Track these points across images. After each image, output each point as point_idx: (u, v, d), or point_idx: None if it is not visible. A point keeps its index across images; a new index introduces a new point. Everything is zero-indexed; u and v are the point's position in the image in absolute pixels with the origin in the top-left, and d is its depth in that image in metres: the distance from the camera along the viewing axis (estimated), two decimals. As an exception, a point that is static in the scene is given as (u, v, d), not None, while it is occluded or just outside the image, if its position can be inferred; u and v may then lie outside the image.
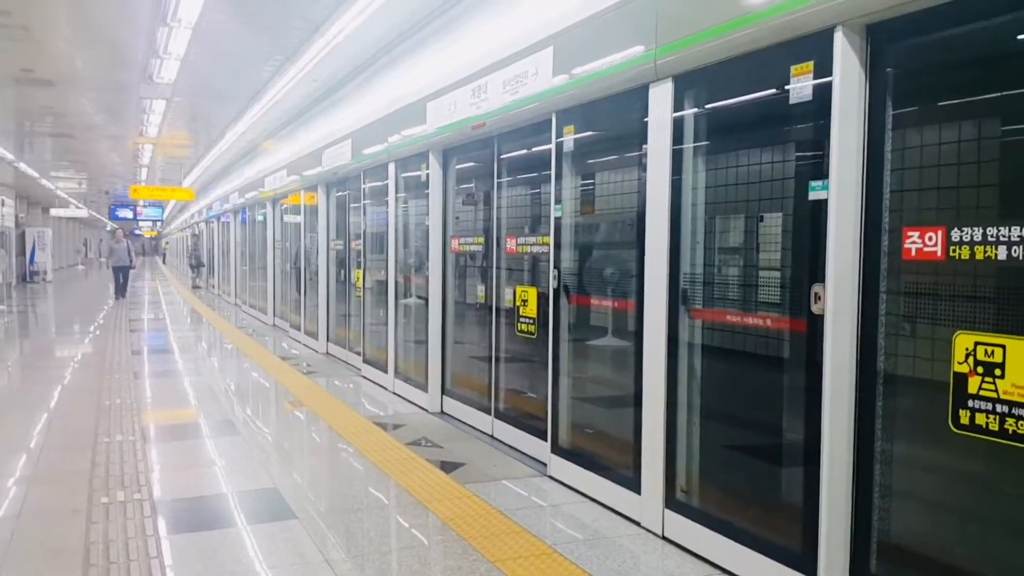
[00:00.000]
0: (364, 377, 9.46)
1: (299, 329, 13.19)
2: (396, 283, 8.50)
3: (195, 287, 28.25)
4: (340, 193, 11.23)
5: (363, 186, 9.59)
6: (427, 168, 7.47)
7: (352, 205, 10.44)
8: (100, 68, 11.82)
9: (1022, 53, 2.91)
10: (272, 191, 15.06)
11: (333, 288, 11.71)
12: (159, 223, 48.08)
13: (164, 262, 58.67)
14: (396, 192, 8.42)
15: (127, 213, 31.88)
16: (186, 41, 9.50)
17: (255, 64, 11.03)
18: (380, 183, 8.87)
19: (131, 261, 21.75)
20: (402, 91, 8.16)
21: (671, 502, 4.23)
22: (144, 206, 32.69)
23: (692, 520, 4.08)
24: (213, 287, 26.96)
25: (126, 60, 11.05)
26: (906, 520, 3.28)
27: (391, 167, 8.42)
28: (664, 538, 4.25)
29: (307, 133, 13.39)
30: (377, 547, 4.15)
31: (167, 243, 63.11)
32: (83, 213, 43.36)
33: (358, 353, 9.93)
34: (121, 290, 21.35)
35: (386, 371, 8.68)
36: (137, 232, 58.91)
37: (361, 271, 9.87)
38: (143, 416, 7.10)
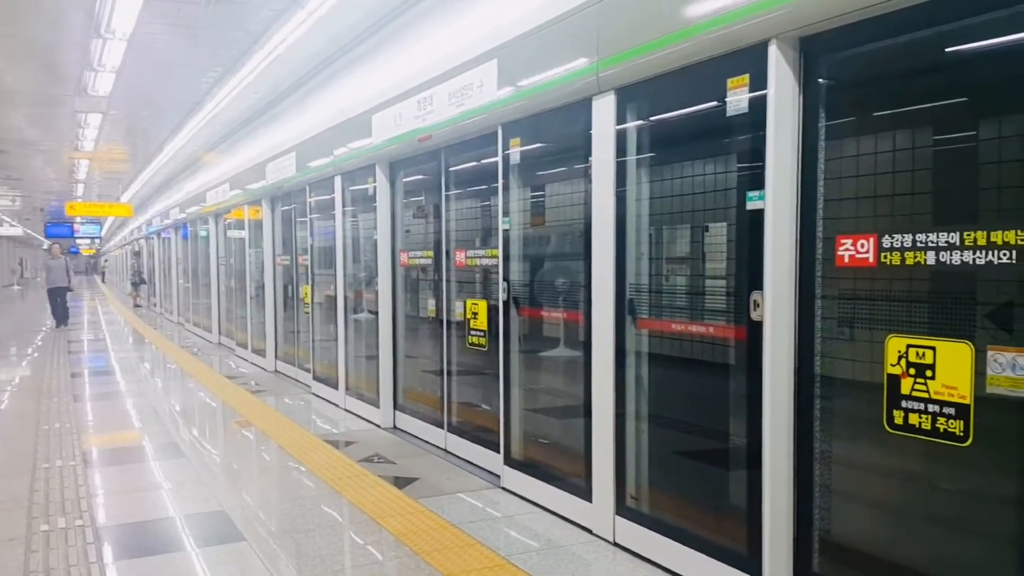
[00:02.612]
0: (315, 395, 9.36)
1: (246, 347, 12.98)
2: (345, 298, 8.44)
3: (136, 306, 27.59)
4: (286, 207, 11.11)
5: (309, 200, 9.51)
6: (374, 181, 7.45)
7: (298, 219, 10.33)
8: (33, 82, 11.55)
9: (946, 65, 3.04)
10: (214, 205, 14.82)
11: (280, 304, 11.56)
12: (97, 240, 46.95)
13: (104, 280, 57.24)
14: (343, 206, 8.37)
15: (63, 231, 31.05)
16: (121, 53, 9.34)
17: (193, 76, 10.88)
18: (327, 196, 8.81)
19: (69, 281, 18.45)
20: (347, 103, 8.12)
21: (621, 509, 4.28)
22: (81, 223, 31.89)
23: (642, 526, 4.14)
24: (155, 306, 26.39)
25: (60, 73, 10.82)
26: (846, 519, 3.38)
27: (337, 180, 8.37)
28: (615, 544, 4.30)
29: (250, 146, 13.21)
30: (329, 566, 4.12)
31: (106, 260, 61.61)
32: (17, 231, 42.11)
33: (308, 370, 9.83)
34: (62, 317, 18.26)
35: (337, 388, 8.60)
36: (75, 250, 57.44)
37: (309, 286, 9.78)
38: (84, 440, 6.92)
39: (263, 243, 11.79)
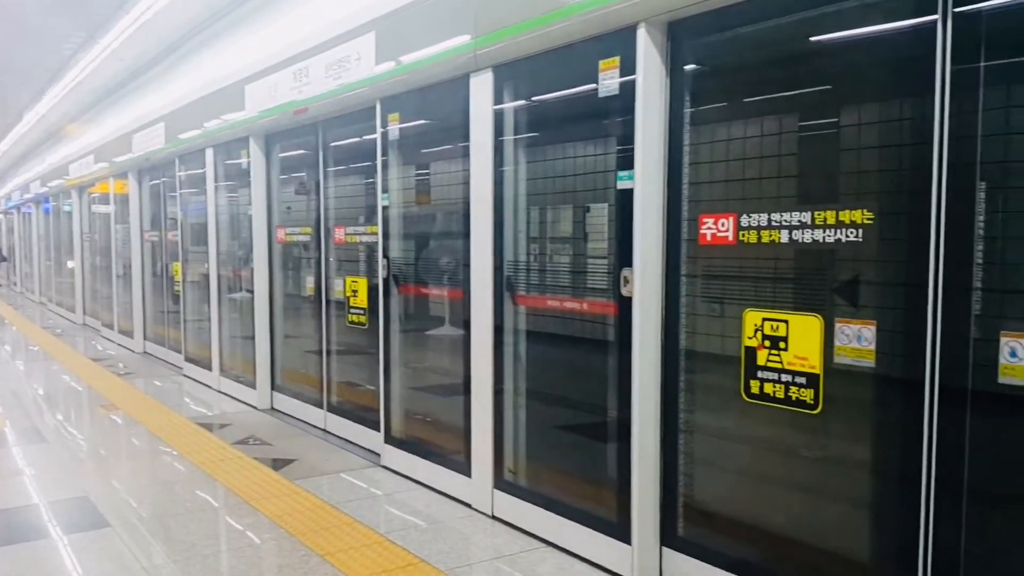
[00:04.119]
0: (187, 376, 9.04)
1: (113, 328, 12.39)
2: (219, 276, 8.17)
3: (-7, 285, 25.84)
4: (154, 181, 10.61)
5: (179, 173, 9.12)
6: (248, 154, 7.22)
7: (168, 193, 9.90)
8: None
9: (811, 53, 3.19)
10: (78, 179, 14.01)
11: (149, 283, 11.08)
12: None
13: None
14: (216, 180, 8.07)
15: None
16: (-28, 14, 8.69)
17: (55, 41, 10.22)
18: (198, 170, 8.47)
19: None
20: (220, 72, 7.80)
21: (500, 483, 4.36)
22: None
23: (520, 499, 4.23)
24: (15, 284, 24.77)
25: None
26: (708, 485, 3.56)
27: (209, 152, 8.06)
28: (494, 517, 4.38)
29: (117, 116, 12.53)
30: (202, 550, 4.01)
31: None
32: None
33: (179, 351, 9.48)
34: None
35: (211, 369, 8.34)
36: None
37: (180, 264, 9.40)
38: (-69, 428, 6.47)
39: (130, 218, 11.24)
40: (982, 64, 2.50)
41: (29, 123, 16.16)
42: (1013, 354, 2.46)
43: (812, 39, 3.13)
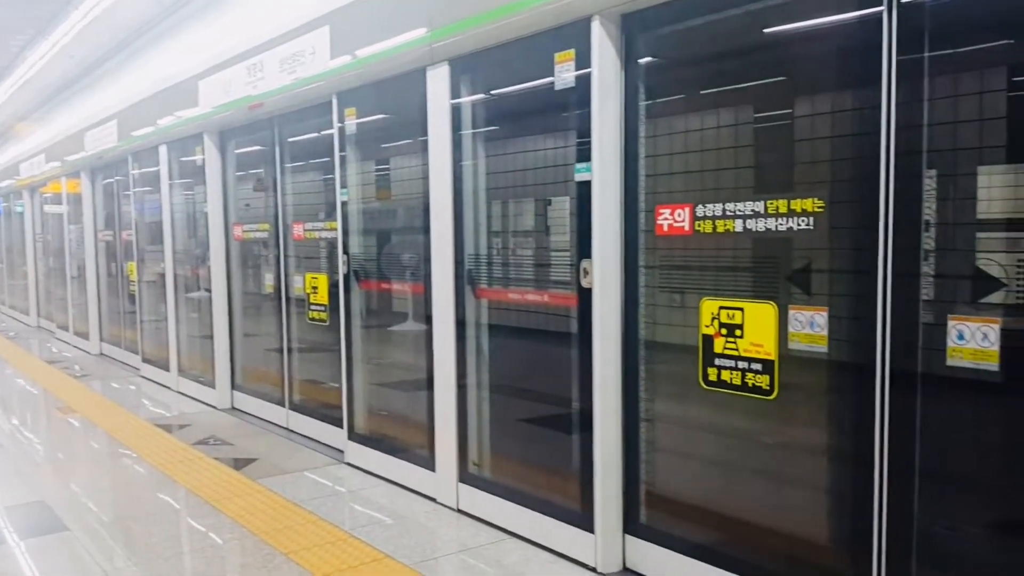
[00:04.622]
0: (145, 377, 8.91)
1: (68, 330, 12.17)
2: (175, 275, 8.05)
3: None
4: (108, 180, 10.41)
5: (132, 171, 8.97)
6: (203, 151, 7.12)
7: (123, 192, 9.73)
8: None
9: (763, 44, 3.23)
10: (29, 179, 13.70)
11: (104, 283, 10.88)
12: None
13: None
14: (170, 177, 7.95)
15: None
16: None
17: (2, 37, 9.96)
18: (152, 168, 8.33)
19: None
20: (174, 68, 7.68)
21: (464, 476, 4.37)
22: None
23: (484, 491, 4.24)
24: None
25: None
26: (670, 472, 3.61)
27: (163, 150, 7.94)
28: (459, 511, 4.39)
29: (68, 114, 12.28)
30: (163, 552, 3.97)
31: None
32: None
33: (136, 352, 9.33)
34: None
35: (169, 370, 8.22)
36: None
37: (135, 264, 9.25)
38: None
39: (84, 218, 11.02)
40: (927, 54, 2.56)
41: (-25, 122, 15.76)
42: (960, 337, 2.53)
43: (764, 31, 3.18)
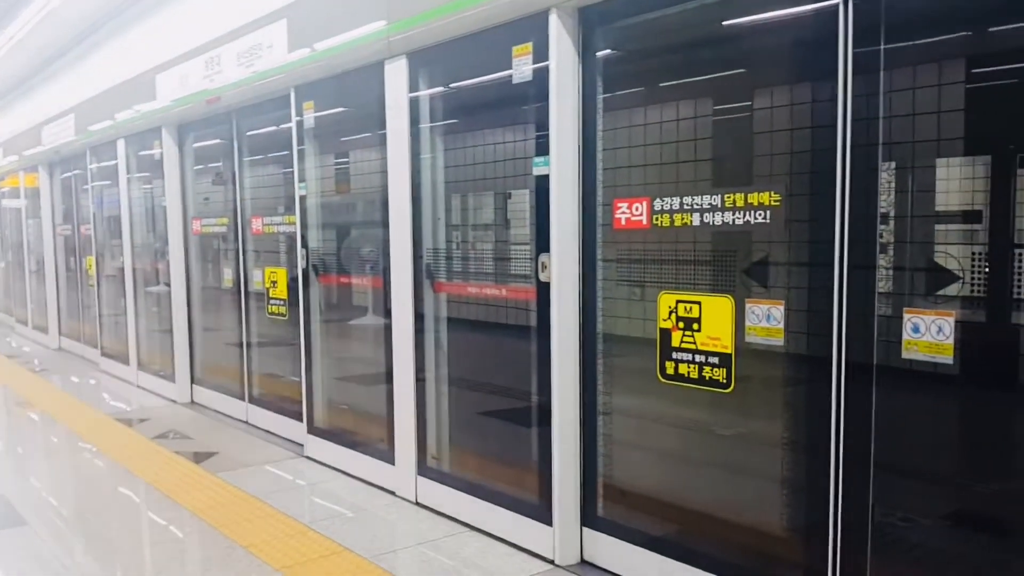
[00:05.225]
0: (104, 372, 8.77)
1: (26, 324, 11.96)
2: (134, 269, 7.93)
3: None
4: (66, 174, 10.23)
5: (90, 165, 8.80)
6: (161, 145, 7.01)
7: (81, 187, 9.56)
8: None
9: (720, 37, 3.22)
10: (-15, 172, 13.42)
11: (63, 278, 10.70)
12: None
13: None
14: (128, 171, 7.82)
15: None
16: None
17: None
18: (110, 162, 8.19)
19: None
20: (131, 62, 7.55)
21: (423, 470, 4.35)
22: None
23: (443, 484, 4.22)
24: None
25: None
26: (627, 465, 3.61)
27: (121, 144, 7.80)
28: (418, 504, 4.37)
29: (25, 107, 12.04)
30: (120, 545, 3.91)
31: None
32: None
33: (96, 347, 9.19)
34: None
35: (128, 364, 8.11)
36: None
37: (94, 258, 9.09)
38: None
39: (42, 212, 10.83)
40: (883, 47, 2.57)
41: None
42: (916, 329, 2.55)
43: (721, 23, 3.18)
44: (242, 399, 6.41)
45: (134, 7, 7.89)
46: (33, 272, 11.63)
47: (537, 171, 3.55)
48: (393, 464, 4.53)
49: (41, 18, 8.34)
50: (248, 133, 6.18)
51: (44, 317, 11.07)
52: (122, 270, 8.20)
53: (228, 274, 6.60)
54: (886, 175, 2.65)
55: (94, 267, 9.07)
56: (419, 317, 4.32)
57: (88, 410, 6.88)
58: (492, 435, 4.26)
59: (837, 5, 2.63)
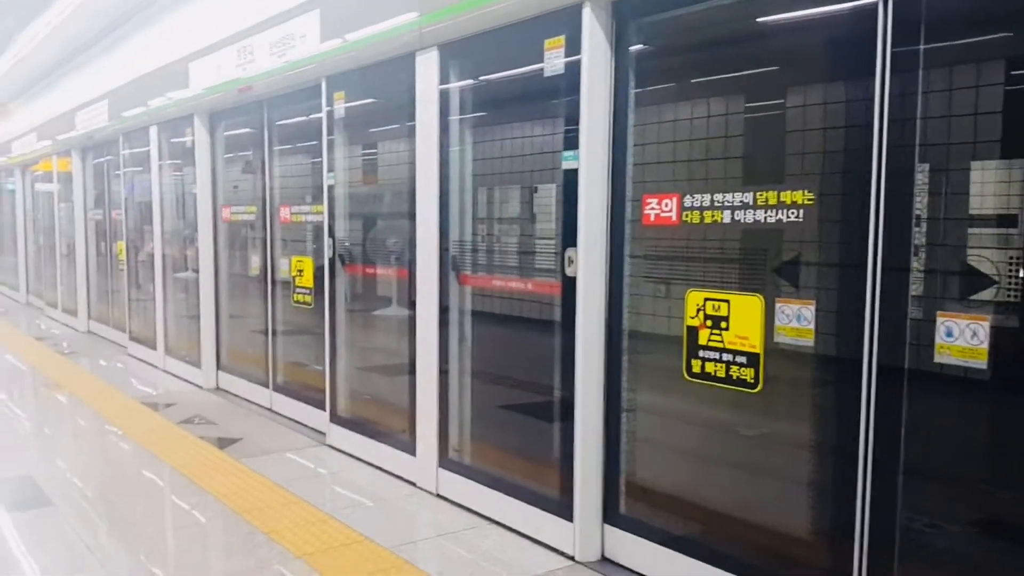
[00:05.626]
0: (132, 356, 8.87)
1: (56, 307, 12.12)
2: (164, 255, 8.01)
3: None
4: (98, 159, 10.35)
5: (123, 151, 8.90)
6: (192, 132, 7.07)
7: (113, 172, 9.67)
8: None
9: (755, 34, 3.19)
10: (21, 157, 13.61)
11: (94, 262, 10.83)
12: None
13: None
14: (160, 158, 7.89)
15: None
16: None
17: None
18: (143, 148, 8.27)
19: None
20: (165, 50, 7.62)
21: (444, 462, 4.35)
22: None
23: (464, 477, 4.22)
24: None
25: None
26: (651, 463, 3.59)
27: (153, 131, 7.88)
28: (438, 496, 4.37)
29: (60, 93, 12.20)
30: (146, 528, 3.96)
31: None
32: None
33: (124, 331, 9.30)
34: None
35: (156, 348, 8.19)
36: None
37: (124, 243, 9.20)
38: None
39: (74, 197, 10.96)
40: (922, 47, 2.53)
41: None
42: (949, 333, 2.51)
43: (756, 20, 3.14)
44: (266, 386, 6.46)
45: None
46: (64, 256, 11.77)
47: (566, 165, 3.53)
48: (414, 455, 4.54)
49: (75, 8, 8.43)
50: (278, 122, 6.21)
51: (74, 300, 11.21)
52: (151, 255, 8.29)
53: (255, 262, 6.65)
54: (921, 176, 2.60)
55: (124, 252, 9.17)
56: (444, 309, 4.32)
57: (115, 393, 6.96)
58: (514, 429, 4.25)
59: (876, 3, 2.58)
